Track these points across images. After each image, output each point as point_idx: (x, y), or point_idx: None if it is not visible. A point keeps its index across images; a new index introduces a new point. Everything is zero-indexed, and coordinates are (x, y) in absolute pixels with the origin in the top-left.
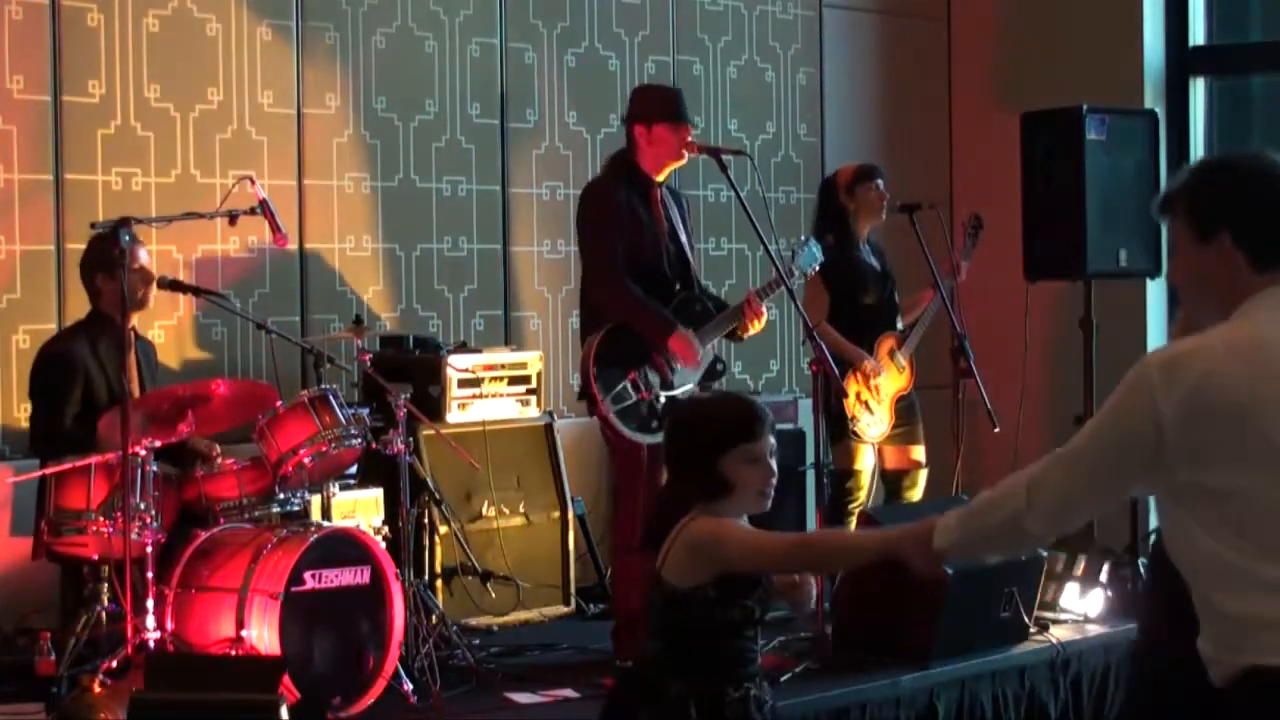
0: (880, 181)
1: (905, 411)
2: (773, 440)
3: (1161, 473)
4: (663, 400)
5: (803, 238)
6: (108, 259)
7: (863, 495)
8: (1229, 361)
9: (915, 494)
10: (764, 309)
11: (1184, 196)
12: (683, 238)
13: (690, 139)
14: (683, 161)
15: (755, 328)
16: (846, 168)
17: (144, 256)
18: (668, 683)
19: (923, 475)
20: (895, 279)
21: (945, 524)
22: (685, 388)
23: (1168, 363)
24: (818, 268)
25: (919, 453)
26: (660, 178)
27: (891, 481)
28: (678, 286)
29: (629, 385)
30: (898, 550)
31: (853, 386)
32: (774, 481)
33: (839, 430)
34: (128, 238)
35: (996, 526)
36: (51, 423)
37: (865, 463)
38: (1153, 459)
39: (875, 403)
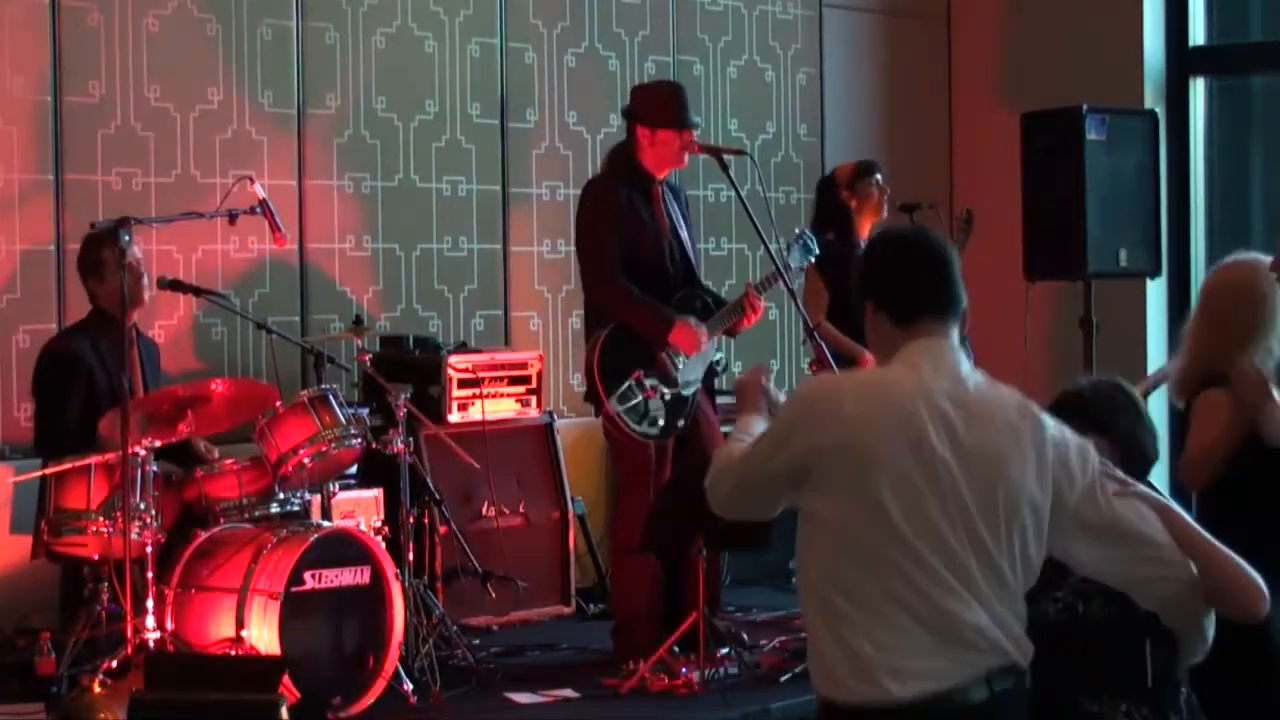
0: (879, 176)
1: None
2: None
3: (799, 492)
4: (667, 398)
5: (798, 231)
6: (96, 262)
7: None
8: (859, 401)
9: None
10: (761, 304)
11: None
12: (683, 234)
13: (692, 140)
14: (682, 165)
15: (751, 323)
16: (845, 165)
17: (134, 253)
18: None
19: None
20: None
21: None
22: (689, 384)
23: (823, 395)
24: (813, 260)
25: None
26: (661, 175)
27: None
28: (680, 284)
29: (634, 384)
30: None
31: None
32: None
33: None
34: (127, 238)
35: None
36: (55, 422)
37: None
38: (799, 479)
39: None
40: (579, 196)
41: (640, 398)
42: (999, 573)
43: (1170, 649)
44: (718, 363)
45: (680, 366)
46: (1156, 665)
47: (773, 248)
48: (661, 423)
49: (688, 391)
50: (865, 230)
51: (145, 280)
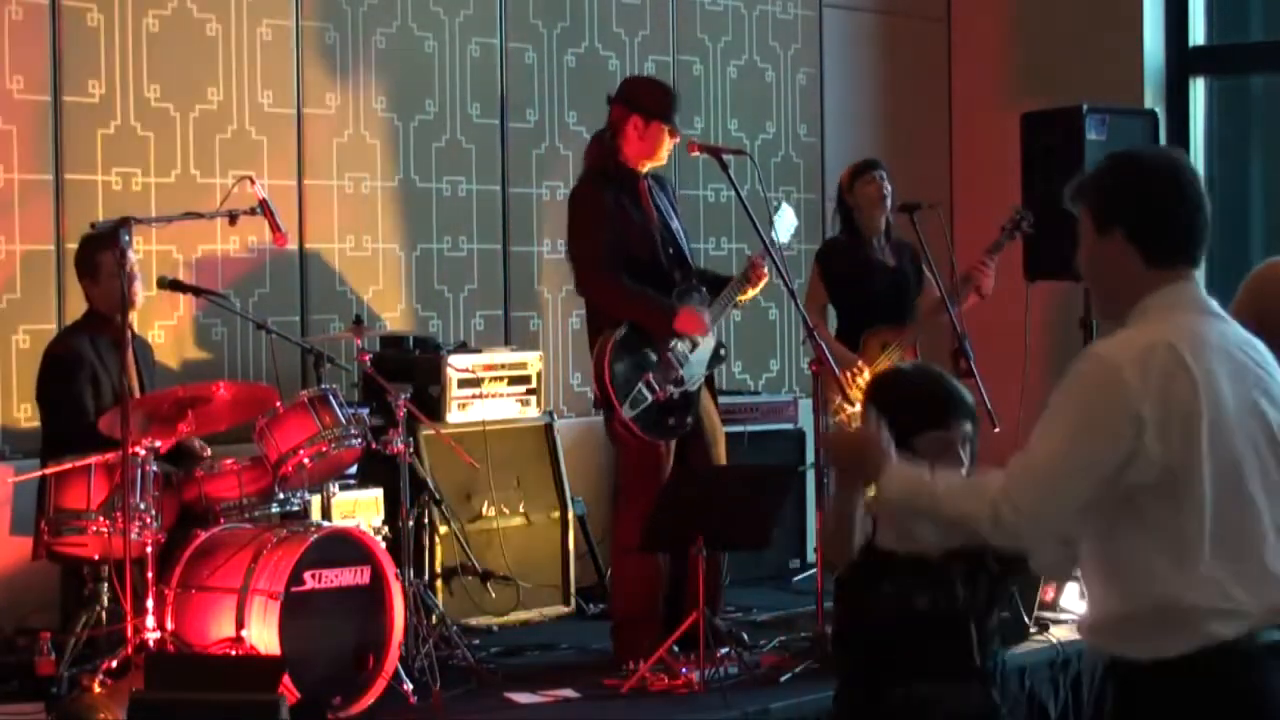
0: (879, 174)
1: None
2: (969, 428)
3: (1127, 474)
4: (676, 397)
5: (774, 202)
6: (89, 265)
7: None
8: (1182, 360)
9: None
10: (765, 270)
11: (1088, 188)
12: (674, 225)
13: (692, 139)
14: (662, 162)
15: (755, 291)
16: (849, 166)
17: (130, 257)
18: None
19: None
20: (920, 279)
21: (898, 475)
22: (695, 379)
23: (1137, 361)
24: (795, 226)
25: None
26: (643, 170)
27: None
28: (677, 276)
29: (644, 388)
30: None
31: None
32: (962, 472)
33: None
34: (127, 238)
35: (951, 518)
36: (72, 420)
37: None
38: (1126, 462)
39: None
40: (566, 204)
41: (651, 400)
42: None
43: (987, 626)
44: (722, 345)
45: (684, 364)
46: (980, 642)
47: (773, 249)
48: (672, 422)
49: (694, 388)
50: (874, 228)
51: (139, 285)
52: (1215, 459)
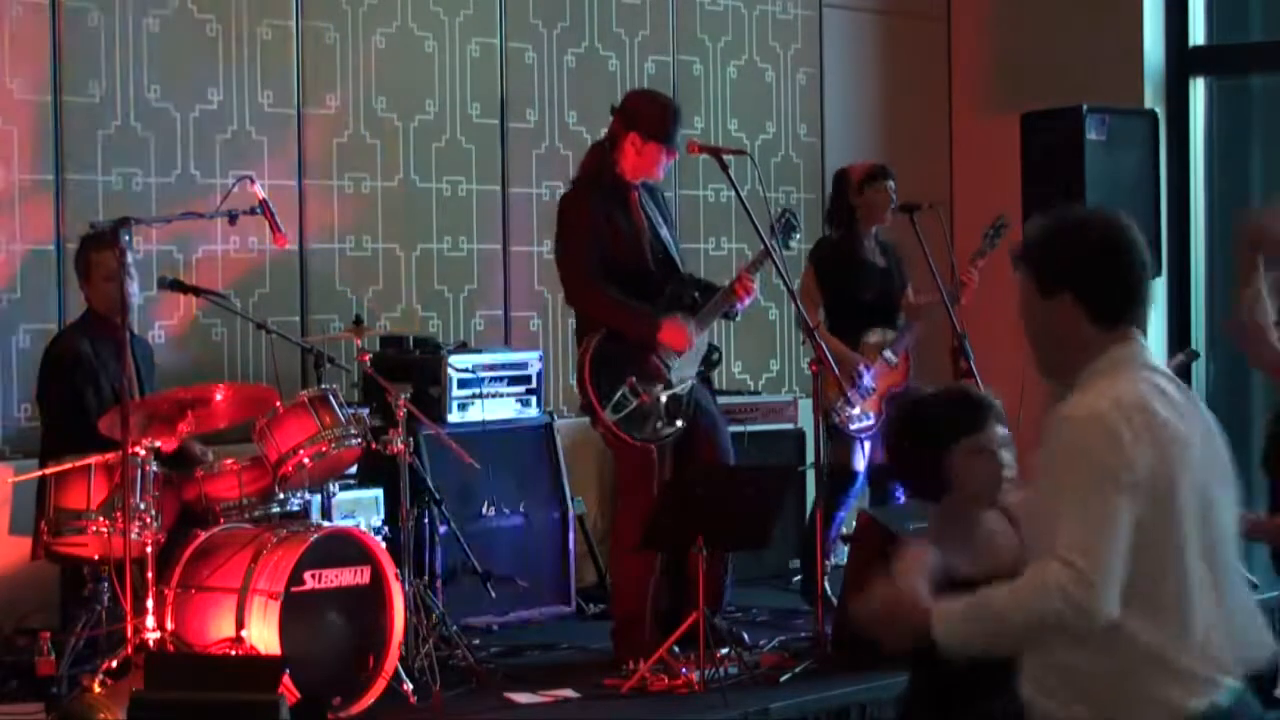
0: (891, 183)
1: None
2: (1004, 430)
3: None
4: (663, 400)
5: (779, 211)
6: (82, 266)
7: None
8: (1156, 415)
9: None
10: (754, 283)
11: (1034, 252)
12: (664, 233)
13: (692, 139)
14: (658, 179)
15: (745, 303)
16: (859, 166)
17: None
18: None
19: None
20: (904, 278)
21: (949, 624)
22: (684, 382)
23: (1115, 414)
24: (798, 238)
25: None
26: (635, 181)
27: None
28: (666, 282)
29: (627, 391)
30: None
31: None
32: (1007, 474)
33: (834, 429)
34: (128, 238)
35: (1025, 629)
36: (76, 421)
37: (861, 461)
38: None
39: (856, 396)
40: (556, 210)
41: (635, 403)
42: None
43: None
44: (714, 349)
45: (672, 366)
46: None
47: (773, 251)
48: (659, 425)
49: (683, 389)
50: (870, 230)
51: (132, 285)
52: (1190, 513)
